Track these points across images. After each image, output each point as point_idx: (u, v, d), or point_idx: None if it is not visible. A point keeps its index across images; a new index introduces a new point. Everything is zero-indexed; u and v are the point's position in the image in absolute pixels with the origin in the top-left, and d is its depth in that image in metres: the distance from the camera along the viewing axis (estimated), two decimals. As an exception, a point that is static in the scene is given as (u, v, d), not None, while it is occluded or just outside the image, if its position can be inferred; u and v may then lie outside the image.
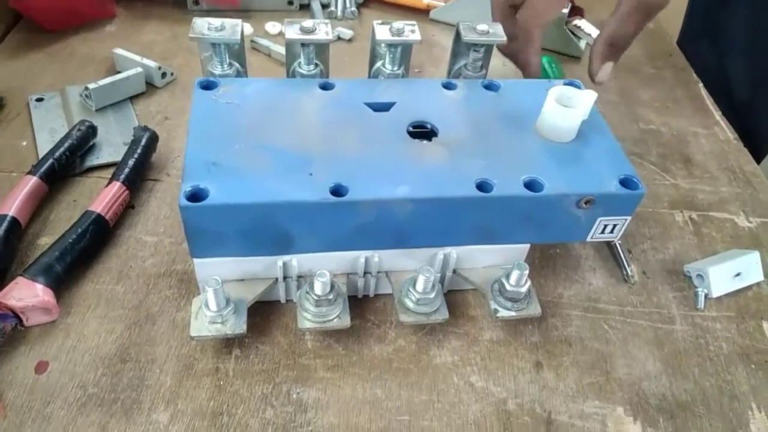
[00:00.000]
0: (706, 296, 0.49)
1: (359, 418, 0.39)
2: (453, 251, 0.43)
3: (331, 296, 0.41)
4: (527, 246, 0.44)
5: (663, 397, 0.42)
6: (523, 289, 0.42)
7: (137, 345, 0.42)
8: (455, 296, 0.47)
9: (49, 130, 0.56)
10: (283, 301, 0.45)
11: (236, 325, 0.40)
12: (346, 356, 0.43)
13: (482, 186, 0.39)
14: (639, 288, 0.49)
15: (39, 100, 0.60)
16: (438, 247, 0.42)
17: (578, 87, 0.46)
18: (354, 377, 0.42)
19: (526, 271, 0.42)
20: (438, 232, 0.41)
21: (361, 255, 0.42)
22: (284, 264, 0.42)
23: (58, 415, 0.38)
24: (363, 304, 0.46)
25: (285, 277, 0.43)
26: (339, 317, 0.41)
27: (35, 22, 0.67)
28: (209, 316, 0.40)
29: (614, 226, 0.42)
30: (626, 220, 0.42)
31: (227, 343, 0.42)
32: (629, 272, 0.49)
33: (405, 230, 0.40)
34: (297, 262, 0.42)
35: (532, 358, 0.44)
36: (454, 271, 0.45)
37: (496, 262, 0.45)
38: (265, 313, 0.44)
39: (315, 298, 0.40)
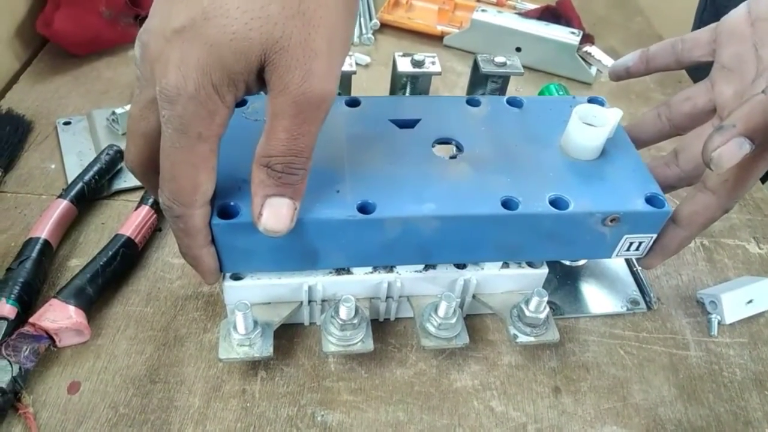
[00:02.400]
0: (719, 323, 0.50)
1: (383, 441, 0.40)
2: (473, 277, 0.45)
3: (355, 321, 0.42)
4: (545, 271, 0.46)
5: (679, 423, 0.43)
6: (542, 315, 0.43)
7: (166, 366, 0.43)
8: (474, 320, 0.48)
9: (77, 154, 0.58)
10: (306, 323, 0.46)
11: (263, 348, 0.41)
12: (368, 379, 0.44)
13: (507, 204, 0.40)
14: (653, 314, 0.50)
15: (66, 123, 0.62)
16: (461, 262, 0.44)
17: (602, 104, 0.47)
18: (377, 400, 0.43)
19: (545, 298, 0.43)
20: (462, 248, 0.42)
21: (384, 280, 0.44)
22: (309, 288, 0.43)
23: (91, 435, 0.39)
24: (384, 328, 0.47)
25: (310, 301, 0.44)
26: (362, 341, 0.43)
27: (61, 47, 0.69)
28: (237, 339, 0.41)
29: (640, 243, 0.43)
30: (652, 237, 0.43)
31: (253, 365, 0.44)
32: (652, 298, 0.50)
33: (429, 246, 0.41)
34: (322, 286, 0.43)
35: (550, 383, 0.45)
36: (474, 296, 0.46)
37: (514, 288, 0.46)
38: (289, 336, 0.46)
39: (340, 322, 0.41)
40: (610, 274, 0.52)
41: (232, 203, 0.38)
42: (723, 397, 0.45)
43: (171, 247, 0.51)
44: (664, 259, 0.45)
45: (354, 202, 0.39)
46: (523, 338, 0.44)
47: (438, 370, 0.45)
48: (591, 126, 0.43)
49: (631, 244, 0.44)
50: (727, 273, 0.54)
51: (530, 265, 0.46)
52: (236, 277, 0.43)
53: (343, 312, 0.41)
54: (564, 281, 0.51)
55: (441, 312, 0.43)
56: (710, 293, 0.51)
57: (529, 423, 0.42)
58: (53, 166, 0.57)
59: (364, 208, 0.39)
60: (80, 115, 0.63)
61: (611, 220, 0.41)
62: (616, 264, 0.53)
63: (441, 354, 0.46)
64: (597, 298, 0.50)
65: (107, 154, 0.55)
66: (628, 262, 0.53)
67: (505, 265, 0.45)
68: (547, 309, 0.44)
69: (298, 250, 0.40)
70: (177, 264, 0.50)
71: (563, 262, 0.53)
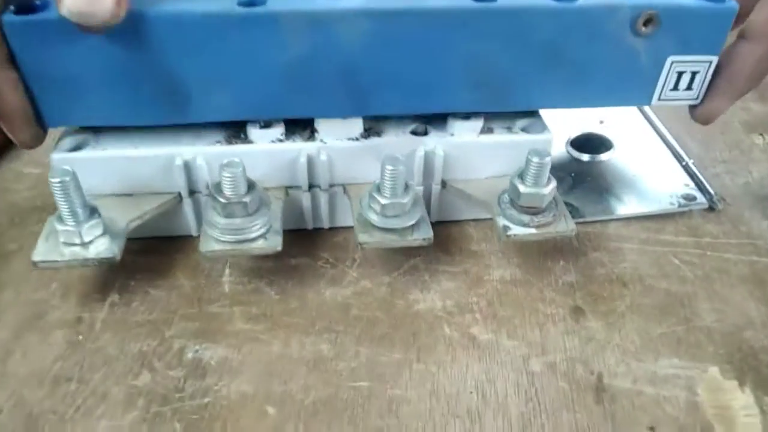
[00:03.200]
0: (820, 222, 0.33)
1: (289, 385, 0.25)
2: (438, 146, 0.29)
3: (247, 199, 0.27)
4: (549, 137, 0.30)
5: (783, 351, 0.26)
6: (546, 191, 0.28)
7: (-28, 290, 0.28)
8: (450, 229, 0.33)
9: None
10: (194, 234, 0.31)
11: (106, 249, 0.26)
12: (280, 302, 0.28)
13: None
14: (717, 216, 0.34)
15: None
16: (416, 111, 0.29)
17: None
18: (288, 330, 0.27)
19: (548, 159, 0.27)
20: (413, 84, 0.27)
21: (302, 151, 0.29)
22: (186, 165, 0.28)
23: None
24: (315, 239, 0.32)
25: (192, 192, 0.30)
26: (264, 237, 0.27)
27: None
28: (63, 234, 0.26)
29: (693, 75, 0.28)
30: (710, 62, 0.28)
31: (102, 287, 0.29)
32: (713, 195, 0.34)
33: (361, 80, 0.27)
34: (205, 161, 0.28)
35: (566, 302, 0.29)
36: (444, 185, 0.31)
37: (503, 170, 0.31)
38: (168, 251, 0.31)
39: (223, 201, 0.26)
40: (647, 169, 0.37)
41: (39, 2, 0.24)
42: None
43: (30, 156, 0.37)
44: (732, 100, 0.29)
45: None
46: (518, 230, 0.28)
47: (390, 288, 0.29)
48: None
49: (680, 76, 0.29)
50: (815, 171, 0.38)
51: (526, 130, 0.31)
52: (72, 147, 0.28)
53: (227, 183, 0.26)
54: (582, 178, 0.36)
55: (386, 188, 0.27)
56: (800, 185, 0.35)
57: (534, 355, 0.26)
58: None
59: (250, 1, 0.25)
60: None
61: (645, 22, 0.26)
62: (656, 157, 0.38)
63: (396, 269, 0.30)
64: (631, 197, 0.34)
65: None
66: (675, 154, 0.38)
67: (488, 129, 0.30)
68: (554, 183, 0.28)
69: (152, 79, 0.26)
70: (32, 174, 0.36)
71: (579, 157, 0.37)
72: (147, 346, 0.26)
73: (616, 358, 0.26)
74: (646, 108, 0.41)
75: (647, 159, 0.37)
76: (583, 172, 0.36)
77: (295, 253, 0.31)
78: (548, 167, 0.27)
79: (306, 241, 0.31)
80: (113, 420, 0.23)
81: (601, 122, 0.40)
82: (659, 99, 0.29)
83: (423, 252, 0.31)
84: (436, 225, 0.30)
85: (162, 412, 0.23)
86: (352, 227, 0.31)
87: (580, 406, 0.24)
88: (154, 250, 0.30)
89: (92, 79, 0.25)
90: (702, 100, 0.29)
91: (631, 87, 0.29)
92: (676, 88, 0.29)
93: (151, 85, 0.26)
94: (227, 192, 0.26)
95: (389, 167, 0.27)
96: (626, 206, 0.34)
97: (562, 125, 0.37)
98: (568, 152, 0.38)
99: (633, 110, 0.42)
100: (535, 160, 0.27)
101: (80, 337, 0.26)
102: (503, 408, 0.24)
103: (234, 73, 0.26)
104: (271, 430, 0.23)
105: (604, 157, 0.37)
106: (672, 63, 0.28)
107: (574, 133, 0.38)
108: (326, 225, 0.32)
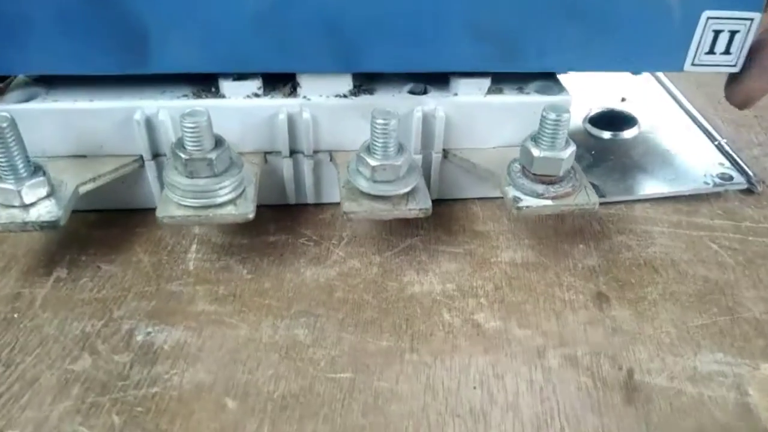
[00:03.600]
0: None
1: (255, 375, 0.20)
2: (439, 107, 0.26)
3: (213, 155, 0.23)
4: (568, 98, 0.26)
5: None
6: (564, 155, 0.24)
7: None
8: (452, 207, 0.29)
9: None
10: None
11: (49, 212, 0.22)
12: (252, 282, 0.24)
13: None
14: (758, 199, 0.30)
15: None
16: (413, 68, 0.25)
17: None
18: (259, 312, 0.23)
19: (567, 117, 0.23)
20: (409, 36, 0.23)
21: (282, 108, 0.25)
22: (148, 121, 0.25)
23: None
24: (297, 215, 0.28)
25: (156, 155, 0.26)
26: (234, 203, 0.23)
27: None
28: (1, 193, 0.22)
29: (732, 35, 0.24)
30: (752, 20, 0.24)
31: (49, 261, 0.25)
32: (752, 177, 0.30)
33: (348, 29, 0.23)
34: (169, 117, 0.25)
35: (588, 288, 0.24)
36: (446, 154, 0.27)
37: (514, 138, 0.27)
38: (128, 224, 0.27)
39: (184, 157, 0.23)
40: (677, 147, 0.32)
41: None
42: None
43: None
44: None
45: None
46: (531, 201, 0.24)
47: (381, 269, 0.25)
48: None
49: (716, 35, 0.25)
50: None
51: (540, 92, 0.27)
52: (21, 100, 0.25)
53: (189, 136, 0.22)
54: (603, 156, 0.32)
55: (377, 146, 0.23)
56: None
57: (551, 346, 0.22)
58: None
59: None
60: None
61: (680, -37, 0.23)
62: (686, 135, 0.34)
63: (390, 248, 0.26)
64: (659, 176, 0.30)
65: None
66: (706, 133, 0.34)
67: (497, 90, 0.26)
68: (573, 148, 0.24)
69: (105, 17, 0.22)
70: None
71: (599, 134, 0.33)
72: (91, 327, 0.22)
73: (649, 351, 0.22)
74: (671, 86, 0.38)
75: (676, 137, 0.33)
76: (605, 150, 0.32)
77: (273, 229, 0.27)
78: (567, 127, 0.24)
79: (287, 217, 0.28)
80: (40, 410, 0.19)
81: (623, 99, 0.36)
82: (693, 64, 0.25)
83: (421, 231, 0.27)
84: (436, 203, 0.26)
85: (99, 402, 0.19)
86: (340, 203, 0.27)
87: (607, 408, 0.20)
88: (112, 223, 0.27)
89: (40, 18, 0.22)
90: (741, 78, 0.25)
91: (661, 47, 0.25)
92: (712, 51, 0.25)
93: (108, 26, 0.22)
94: (189, 146, 0.22)
95: (380, 121, 0.23)
96: (654, 186, 0.30)
97: (580, 102, 0.33)
98: (586, 130, 0.34)
99: (657, 88, 0.38)
100: (552, 117, 0.23)
101: (15, 315, 0.22)
102: (513, 407, 0.20)
103: (201, 15, 0.22)
104: (230, 427, 0.19)
105: (627, 134, 0.33)
106: (708, 19, 0.24)
107: (594, 111, 0.35)
108: (311, 200, 0.28)
